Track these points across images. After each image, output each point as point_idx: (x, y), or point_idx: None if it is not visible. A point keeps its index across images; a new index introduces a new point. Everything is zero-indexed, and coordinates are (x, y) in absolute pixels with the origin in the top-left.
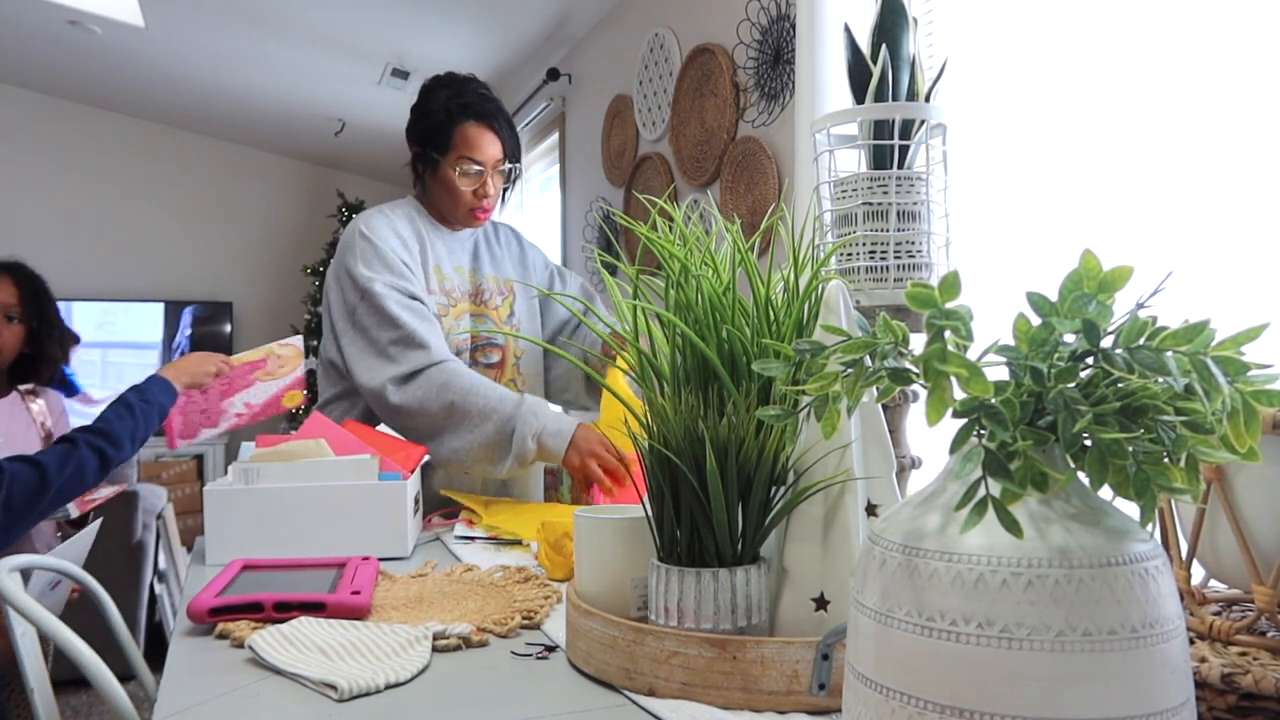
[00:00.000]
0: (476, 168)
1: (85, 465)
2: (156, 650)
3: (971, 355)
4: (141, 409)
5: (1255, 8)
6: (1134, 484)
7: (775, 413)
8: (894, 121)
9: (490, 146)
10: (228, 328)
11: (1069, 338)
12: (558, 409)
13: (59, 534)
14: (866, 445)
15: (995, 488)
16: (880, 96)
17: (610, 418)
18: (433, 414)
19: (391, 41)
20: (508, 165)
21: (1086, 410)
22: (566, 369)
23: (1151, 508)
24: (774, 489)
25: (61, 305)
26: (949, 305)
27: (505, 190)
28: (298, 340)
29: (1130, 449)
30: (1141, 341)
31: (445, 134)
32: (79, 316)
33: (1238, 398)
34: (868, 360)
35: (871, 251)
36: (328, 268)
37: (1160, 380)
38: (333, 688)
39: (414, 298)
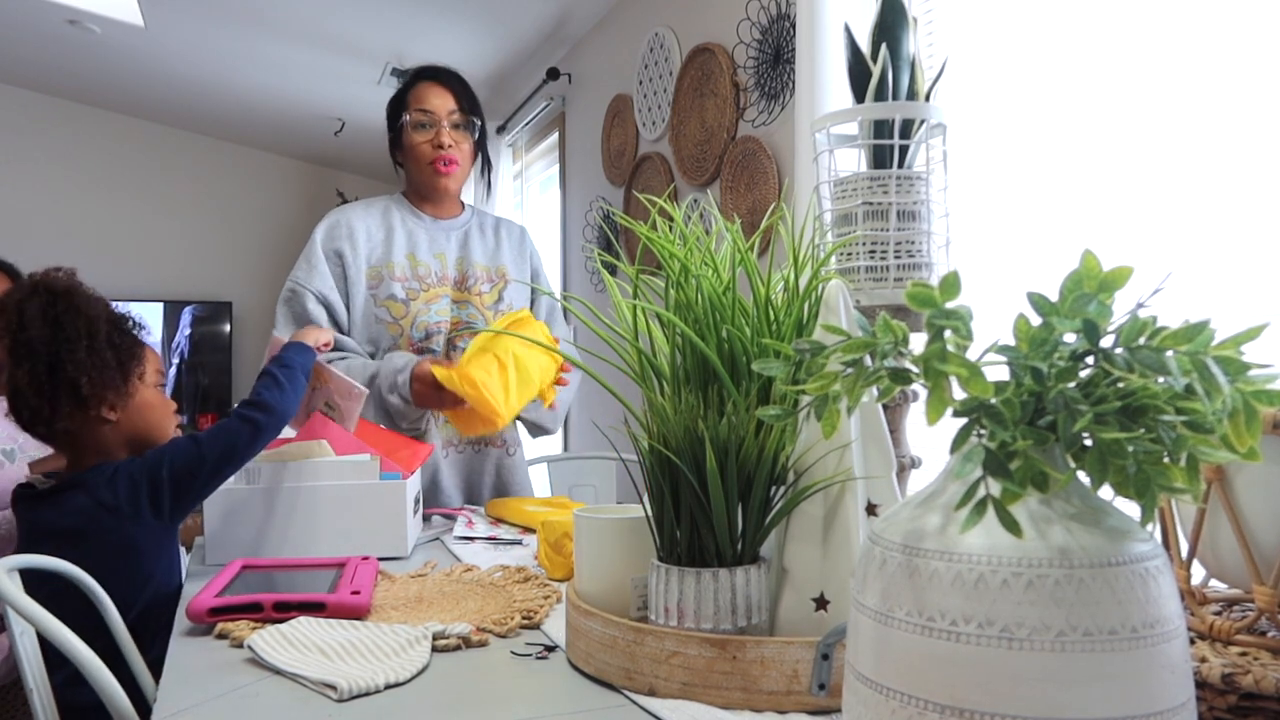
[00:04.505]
0: (428, 118)
1: (237, 435)
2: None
3: (971, 355)
4: (284, 374)
5: (1255, 8)
6: (1134, 484)
7: (775, 413)
8: (894, 121)
9: (437, 98)
10: (227, 327)
11: (1069, 337)
12: (400, 359)
13: None
14: (866, 445)
15: (995, 488)
16: (880, 96)
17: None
18: None
19: (391, 41)
20: (463, 118)
21: (1087, 410)
22: None
23: (1152, 507)
24: (774, 489)
25: None
26: (949, 305)
27: (485, 168)
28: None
29: (1130, 449)
30: (1142, 341)
31: (402, 100)
32: None
33: (1238, 397)
34: (868, 360)
35: (871, 251)
36: None
37: (1160, 380)
38: (332, 688)
39: (322, 299)
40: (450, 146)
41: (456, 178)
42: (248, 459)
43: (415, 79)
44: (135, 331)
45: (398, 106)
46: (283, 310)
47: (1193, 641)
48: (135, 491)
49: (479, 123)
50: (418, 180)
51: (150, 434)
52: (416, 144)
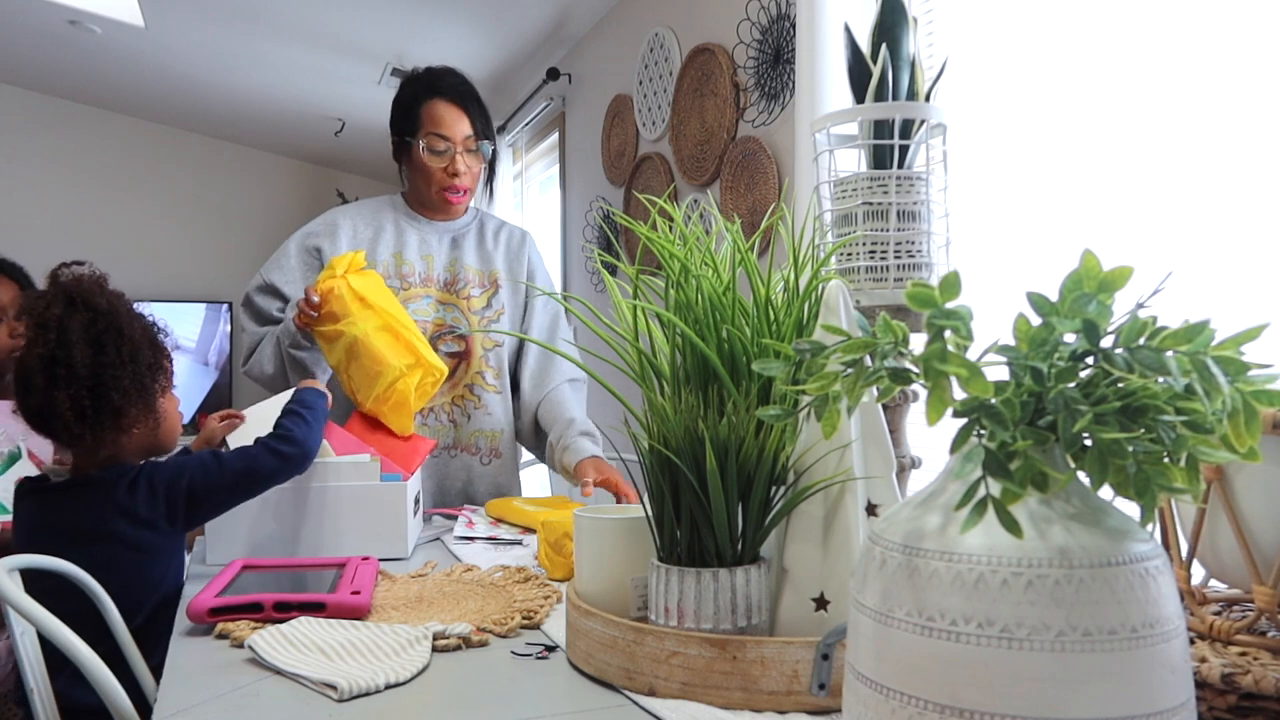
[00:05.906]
0: (444, 144)
1: (258, 461)
2: None
3: (971, 355)
4: (307, 412)
5: (1255, 8)
6: (1134, 484)
7: (775, 413)
8: (894, 121)
9: (457, 123)
10: (228, 328)
11: (1069, 338)
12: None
13: None
14: (866, 445)
15: (995, 488)
16: (880, 96)
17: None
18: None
19: (391, 41)
20: (479, 144)
21: (1087, 410)
22: (534, 369)
23: (1152, 508)
24: (774, 489)
25: None
26: (949, 305)
27: (490, 178)
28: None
29: (1130, 449)
30: (1142, 341)
31: (414, 114)
32: None
33: (1238, 398)
34: (868, 360)
35: (871, 251)
36: None
37: (1160, 380)
38: (333, 688)
39: (271, 289)
40: (464, 173)
41: (465, 201)
42: (268, 487)
43: (431, 92)
44: (163, 342)
45: (408, 115)
46: (243, 298)
47: (1193, 641)
48: (155, 500)
49: (493, 146)
50: (424, 193)
51: (163, 439)
52: (429, 166)
